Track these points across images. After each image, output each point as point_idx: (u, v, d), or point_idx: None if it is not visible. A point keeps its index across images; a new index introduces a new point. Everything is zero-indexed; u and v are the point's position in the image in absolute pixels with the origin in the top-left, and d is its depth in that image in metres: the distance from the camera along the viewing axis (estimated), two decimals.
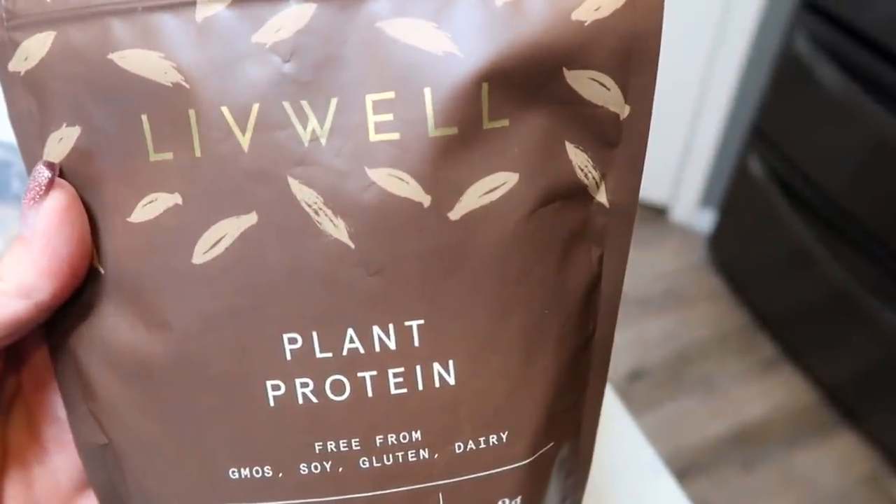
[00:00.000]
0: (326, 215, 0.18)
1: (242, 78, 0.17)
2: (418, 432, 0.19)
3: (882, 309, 1.14)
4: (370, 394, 0.19)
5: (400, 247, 0.18)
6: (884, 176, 1.10)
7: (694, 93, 1.52)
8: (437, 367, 0.19)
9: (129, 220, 0.18)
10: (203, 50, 0.17)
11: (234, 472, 0.19)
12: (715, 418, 1.31)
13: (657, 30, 0.18)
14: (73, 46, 0.17)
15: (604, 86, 0.18)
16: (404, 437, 0.19)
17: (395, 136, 0.17)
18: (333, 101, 0.17)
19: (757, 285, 1.44)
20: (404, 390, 0.19)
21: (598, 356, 0.22)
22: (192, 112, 0.17)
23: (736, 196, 1.45)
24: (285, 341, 0.18)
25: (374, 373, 0.19)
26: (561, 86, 0.18)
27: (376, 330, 0.18)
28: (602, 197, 0.20)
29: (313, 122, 0.17)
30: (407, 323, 0.18)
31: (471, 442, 0.20)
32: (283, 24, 0.17)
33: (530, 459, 0.20)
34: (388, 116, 0.17)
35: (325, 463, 0.19)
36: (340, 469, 0.19)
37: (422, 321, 0.18)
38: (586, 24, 0.18)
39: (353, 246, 0.18)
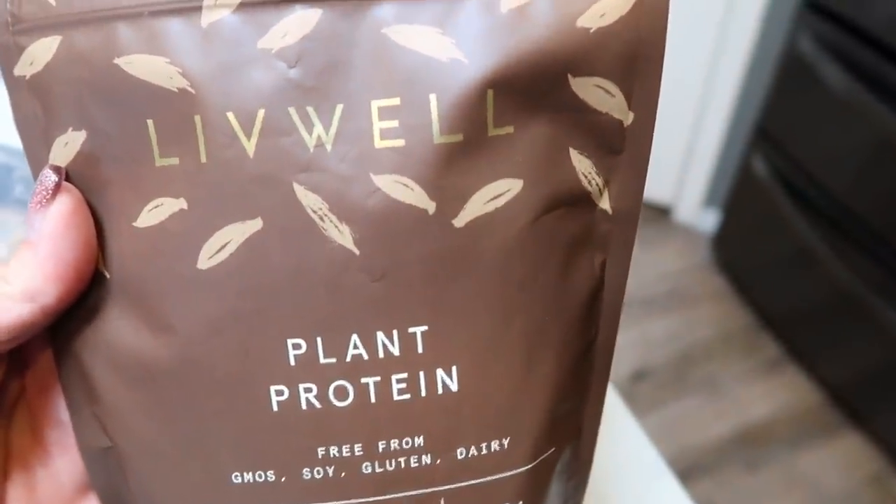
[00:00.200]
0: (331, 221, 0.18)
1: (248, 83, 0.17)
2: (421, 438, 0.19)
3: (886, 308, 1.14)
4: (373, 400, 0.19)
5: (404, 253, 0.18)
6: (888, 175, 1.10)
7: (697, 92, 1.52)
8: (440, 373, 0.19)
9: (134, 224, 0.18)
10: (209, 55, 0.17)
11: (237, 476, 0.19)
12: (718, 419, 1.31)
13: (661, 36, 0.18)
14: (79, 51, 0.17)
15: (608, 92, 0.18)
16: (407, 443, 0.19)
17: (401, 142, 0.17)
18: (339, 107, 0.17)
19: (761, 285, 1.44)
20: (407, 396, 0.19)
21: (600, 360, 0.22)
22: (197, 117, 0.17)
23: (740, 196, 1.44)
24: (289, 346, 0.18)
25: (378, 379, 0.19)
26: (566, 92, 0.18)
27: (380, 336, 0.18)
28: (605, 203, 0.20)
29: (319, 128, 0.17)
30: (411, 329, 0.18)
31: (473, 448, 0.20)
32: (288, 30, 0.17)
33: (531, 465, 0.21)
34: (394, 123, 0.17)
35: (327, 468, 0.19)
36: (343, 474, 0.19)
37: (425, 327, 0.18)
38: (591, 30, 0.18)
39: (357, 252, 0.18)
